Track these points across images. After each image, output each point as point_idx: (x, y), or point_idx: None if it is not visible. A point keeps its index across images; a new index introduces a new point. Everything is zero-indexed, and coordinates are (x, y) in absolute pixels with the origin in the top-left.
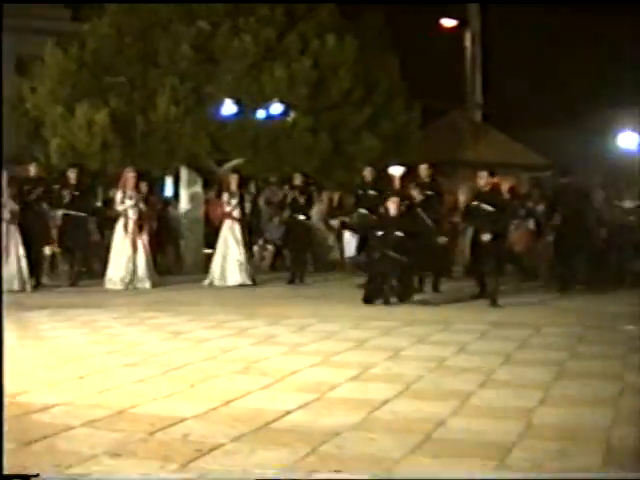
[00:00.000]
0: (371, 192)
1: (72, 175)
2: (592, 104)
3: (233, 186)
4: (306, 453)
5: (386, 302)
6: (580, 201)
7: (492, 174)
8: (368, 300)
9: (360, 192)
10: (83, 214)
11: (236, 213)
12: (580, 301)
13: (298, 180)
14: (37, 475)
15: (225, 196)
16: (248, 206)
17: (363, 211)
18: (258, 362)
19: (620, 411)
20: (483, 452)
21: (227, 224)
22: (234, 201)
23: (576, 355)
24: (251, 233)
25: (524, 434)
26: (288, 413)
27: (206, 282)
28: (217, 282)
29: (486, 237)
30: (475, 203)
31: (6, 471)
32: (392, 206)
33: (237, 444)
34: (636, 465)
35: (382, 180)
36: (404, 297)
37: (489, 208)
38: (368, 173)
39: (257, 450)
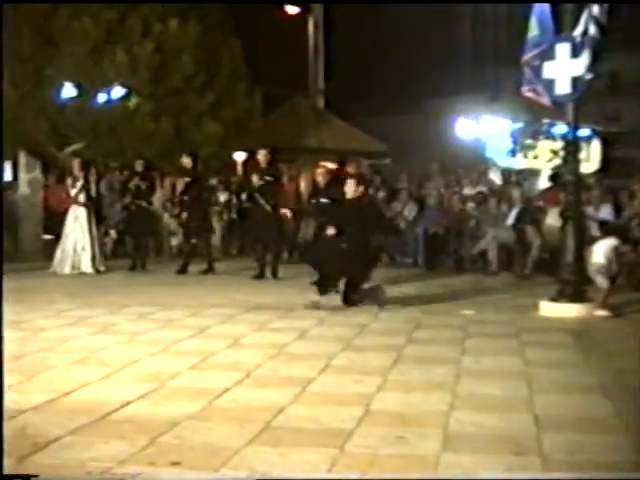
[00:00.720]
0: (187, 179)
1: None
2: (432, 92)
3: (76, 170)
4: (145, 445)
5: (322, 293)
6: None
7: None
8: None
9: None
10: None
11: (81, 198)
12: (418, 287)
13: (140, 166)
14: (36, 476)
15: (69, 181)
16: (93, 189)
17: (186, 198)
18: (97, 352)
19: (457, 395)
20: (322, 440)
21: (73, 209)
22: (78, 184)
23: (414, 340)
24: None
25: (363, 420)
26: (128, 404)
27: (51, 269)
28: (61, 269)
29: (330, 231)
30: (314, 201)
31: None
32: (350, 189)
33: (75, 437)
34: (473, 450)
35: (198, 168)
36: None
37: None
38: (186, 160)
39: (95, 443)
